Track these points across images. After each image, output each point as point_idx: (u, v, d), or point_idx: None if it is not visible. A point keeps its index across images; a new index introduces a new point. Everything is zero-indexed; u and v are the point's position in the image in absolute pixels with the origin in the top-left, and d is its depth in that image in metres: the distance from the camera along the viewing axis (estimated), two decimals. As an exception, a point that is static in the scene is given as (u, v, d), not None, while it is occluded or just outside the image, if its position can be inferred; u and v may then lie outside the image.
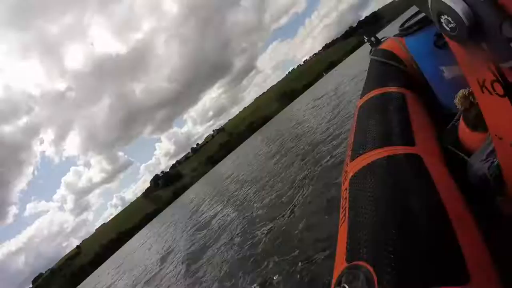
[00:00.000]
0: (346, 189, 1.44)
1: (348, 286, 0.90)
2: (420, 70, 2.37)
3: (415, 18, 2.38)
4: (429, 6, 0.90)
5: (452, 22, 0.84)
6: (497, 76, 0.87)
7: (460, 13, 0.80)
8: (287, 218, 5.25)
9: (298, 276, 3.40)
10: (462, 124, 1.62)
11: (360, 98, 2.31)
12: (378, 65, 2.70)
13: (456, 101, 1.61)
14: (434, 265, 0.87)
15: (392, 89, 2.11)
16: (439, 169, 1.35)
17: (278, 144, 16.66)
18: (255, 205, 7.75)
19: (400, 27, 2.52)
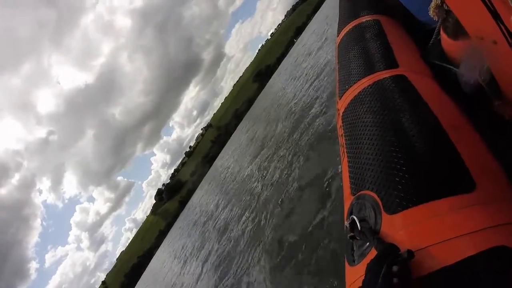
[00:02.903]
0: (340, 126, 1.44)
1: (356, 216, 0.91)
2: None
3: None
4: None
5: None
6: None
7: None
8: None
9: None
10: (443, 36, 1.55)
11: (337, 36, 2.26)
12: None
13: (431, 12, 1.55)
14: (436, 178, 0.87)
15: (366, 18, 2.05)
16: (427, 85, 1.33)
17: (264, 125, 16.82)
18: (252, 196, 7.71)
19: None
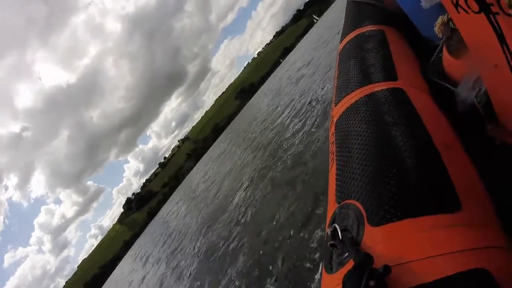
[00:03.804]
0: (332, 133, 1.43)
1: (338, 225, 0.90)
2: (398, 4, 2.24)
3: None
4: None
5: None
6: None
7: None
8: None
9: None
10: (445, 54, 1.55)
11: (340, 43, 2.25)
12: (355, 6, 2.61)
13: (436, 29, 1.56)
14: (423, 195, 0.86)
15: (371, 27, 2.05)
16: (424, 101, 1.32)
17: (242, 142, 16.70)
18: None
19: None
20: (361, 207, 0.91)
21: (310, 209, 3.90)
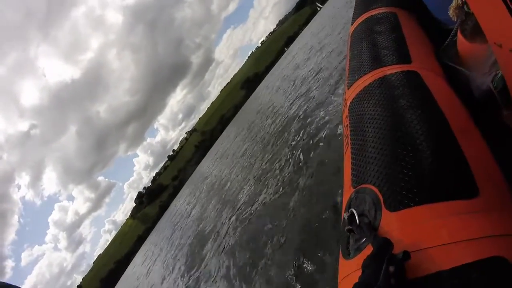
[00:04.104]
0: (346, 116, 1.42)
1: (355, 210, 0.90)
2: None
3: None
4: None
5: None
6: None
7: None
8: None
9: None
10: (460, 37, 1.52)
11: (351, 25, 2.22)
12: None
13: (450, 12, 1.53)
14: (440, 180, 0.85)
15: (383, 9, 2.01)
16: (439, 84, 1.30)
17: (248, 132, 16.71)
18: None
19: None
20: (378, 192, 0.90)
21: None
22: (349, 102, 1.47)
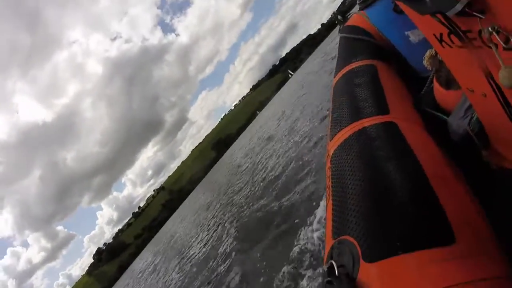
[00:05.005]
0: (328, 168, 1.45)
1: (335, 261, 0.90)
2: (388, 39, 2.37)
3: None
4: None
5: None
6: (450, 27, 0.83)
7: None
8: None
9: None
10: (436, 85, 1.60)
11: (334, 77, 2.30)
12: (347, 42, 2.70)
13: (425, 62, 1.61)
14: (417, 229, 0.86)
15: (363, 62, 2.10)
16: (416, 133, 1.34)
17: (216, 197, 16.59)
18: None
19: (358, 0, 2.55)
20: (356, 243, 0.91)
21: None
22: (331, 153, 1.50)
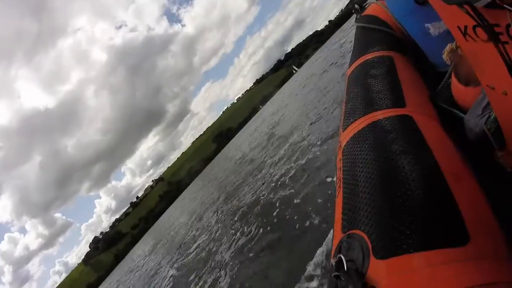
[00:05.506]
0: (340, 159, 1.42)
1: (344, 255, 0.89)
2: (406, 30, 2.30)
3: None
4: None
5: None
6: (477, 19, 0.79)
7: None
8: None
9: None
10: (454, 81, 1.56)
11: (349, 67, 2.26)
12: (364, 32, 2.64)
13: (444, 56, 1.57)
14: (430, 227, 0.84)
15: (380, 53, 2.06)
16: (432, 128, 1.31)
17: (216, 191, 16.46)
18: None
19: None
20: (367, 238, 0.89)
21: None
22: (343, 145, 1.47)
